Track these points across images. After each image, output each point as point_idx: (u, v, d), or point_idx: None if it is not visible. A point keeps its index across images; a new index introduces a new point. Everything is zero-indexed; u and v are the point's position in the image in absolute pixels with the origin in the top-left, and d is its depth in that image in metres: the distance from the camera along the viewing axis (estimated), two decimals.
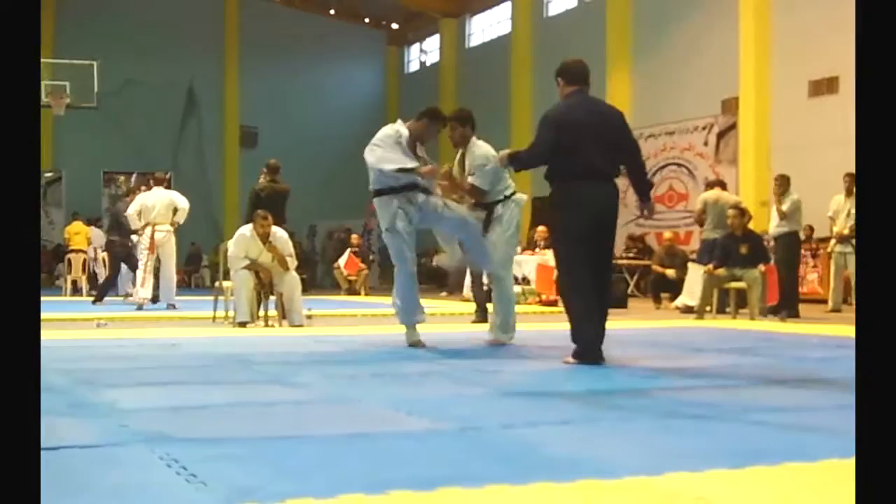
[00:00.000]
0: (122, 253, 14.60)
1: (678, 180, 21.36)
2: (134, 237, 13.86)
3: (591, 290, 6.06)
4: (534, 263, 15.06)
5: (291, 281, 9.74)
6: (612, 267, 6.52)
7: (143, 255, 13.31)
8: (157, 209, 13.21)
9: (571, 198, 6.11)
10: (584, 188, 6.09)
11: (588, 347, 5.96)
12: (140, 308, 12.85)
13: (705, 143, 20.65)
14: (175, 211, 13.32)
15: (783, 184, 12.38)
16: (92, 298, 14.64)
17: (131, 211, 13.53)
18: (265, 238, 9.55)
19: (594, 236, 6.11)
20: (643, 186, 6.54)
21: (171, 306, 12.93)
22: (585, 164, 6.07)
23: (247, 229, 9.63)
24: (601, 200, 6.12)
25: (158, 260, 13.28)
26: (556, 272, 6.35)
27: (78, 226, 20.86)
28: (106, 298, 14.50)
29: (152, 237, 13.13)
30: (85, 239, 20.28)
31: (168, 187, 14.14)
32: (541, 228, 17.04)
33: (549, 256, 14.99)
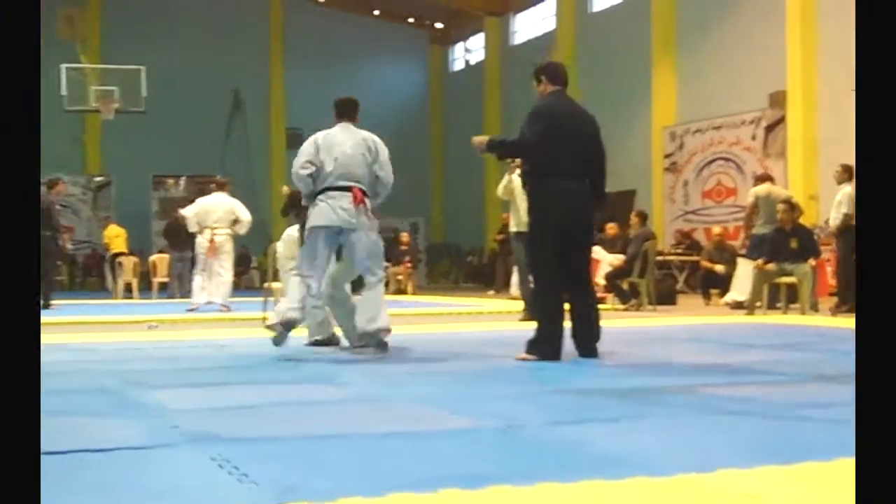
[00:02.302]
0: (52, 248, 13.96)
1: (726, 175, 21.22)
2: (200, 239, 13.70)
3: (560, 291, 6.14)
4: None
5: None
6: (590, 265, 6.54)
7: (199, 259, 13.39)
8: (217, 213, 13.25)
9: (549, 196, 6.13)
10: (560, 186, 6.12)
11: (547, 349, 6.00)
12: (193, 310, 12.96)
13: (753, 137, 20.48)
14: (235, 221, 13.34)
15: (842, 174, 12.18)
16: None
17: (189, 213, 13.58)
18: None
19: (571, 235, 6.16)
20: (598, 196, 6.45)
21: (225, 308, 13.00)
22: (562, 162, 6.11)
23: (294, 230, 9.67)
24: (577, 199, 6.17)
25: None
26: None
27: (115, 229, 21.20)
28: (158, 299, 14.54)
29: (212, 240, 13.20)
30: (124, 241, 20.58)
31: (231, 194, 14.04)
32: (609, 225, 16.60)
33: (597, 251, 14.91)
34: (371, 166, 6.89)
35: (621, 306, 13.10)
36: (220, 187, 13.73)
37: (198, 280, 13.44)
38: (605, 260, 14.25)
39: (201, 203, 13.57)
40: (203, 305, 13.15)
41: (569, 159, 6.13)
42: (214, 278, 13.34)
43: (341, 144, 6.87)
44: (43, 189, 13.44)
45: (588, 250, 6.51)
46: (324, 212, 6.77)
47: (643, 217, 14.15)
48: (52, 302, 13.94)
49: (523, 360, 6.02)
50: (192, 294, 13.61)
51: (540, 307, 6.26)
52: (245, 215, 13.35)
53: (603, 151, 6.42)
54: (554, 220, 6.11)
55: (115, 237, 20.79)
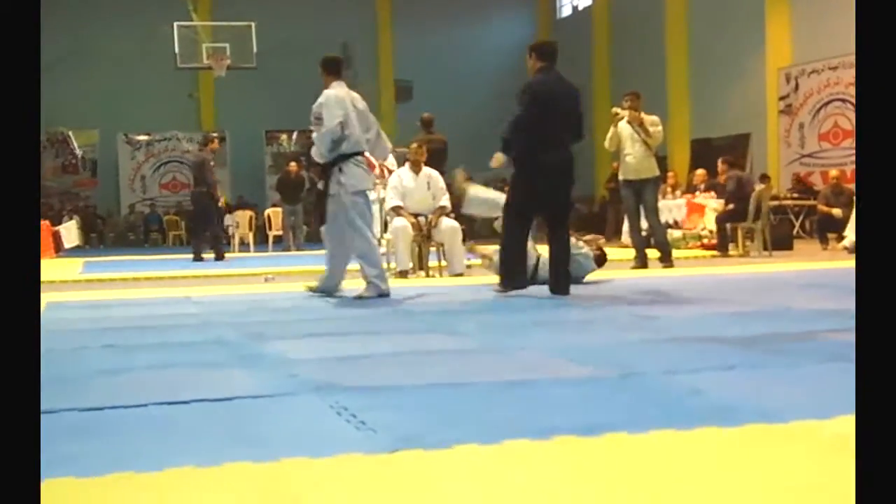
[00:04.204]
0: (207, 203, 14.67)
1: (843, 116, 20.60)
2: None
3: (525, 241, 7.35)
4: (683, 206, 15.13)
5: (451, 230, 9.83)
6: (567, 218, 7.51)
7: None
8: None
9: (534, 166, 7.05)
10: (547, 157, 7.04)
11: (516, 281, 7.27)
12: None
13: None
14: None
15: None
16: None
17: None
18: (417, 166, 9.89)
19: (549, 197, 7.17)
20: (577, 139, 7.50)
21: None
22: (552, 134, 7.07)
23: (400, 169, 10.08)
24: (559, 166, 7.13)
25: None
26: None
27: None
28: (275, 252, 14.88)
29: None
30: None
31: None
32: (699, 172, 16.92)
33: (708, 199, 14.82)
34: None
35: (734, 252, 12.88)
36: None
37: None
38: (709, 206, 14.30)
39: None
40: None
41: (555, 131, 7.08)
42: None
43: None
44: (197, 147, 14.02)
45: (565, 208, 7.47)
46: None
47: (730, 163, 14.30)
48: (203, 255, 14.75)
49: (497, 291, 7.26)
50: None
51: (509, 251, 7.33)
52: None
53: (581, 116, 7.41)
54: (530, 188, 7.09)
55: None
